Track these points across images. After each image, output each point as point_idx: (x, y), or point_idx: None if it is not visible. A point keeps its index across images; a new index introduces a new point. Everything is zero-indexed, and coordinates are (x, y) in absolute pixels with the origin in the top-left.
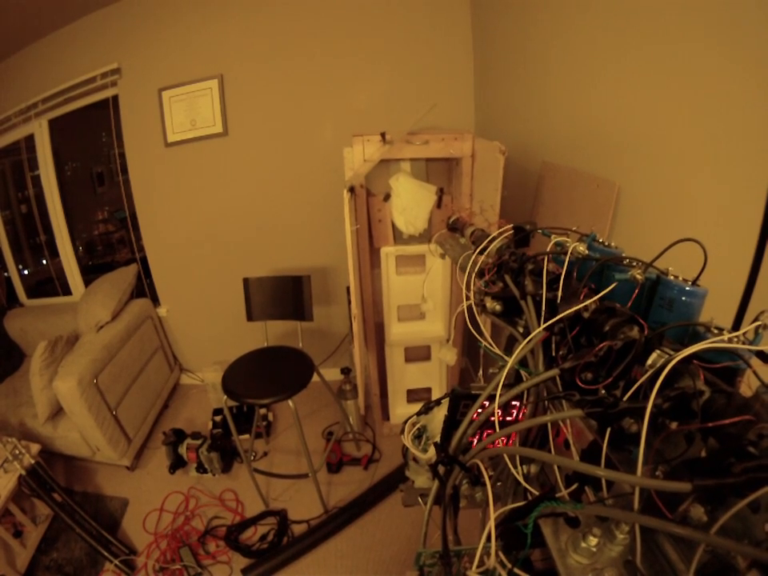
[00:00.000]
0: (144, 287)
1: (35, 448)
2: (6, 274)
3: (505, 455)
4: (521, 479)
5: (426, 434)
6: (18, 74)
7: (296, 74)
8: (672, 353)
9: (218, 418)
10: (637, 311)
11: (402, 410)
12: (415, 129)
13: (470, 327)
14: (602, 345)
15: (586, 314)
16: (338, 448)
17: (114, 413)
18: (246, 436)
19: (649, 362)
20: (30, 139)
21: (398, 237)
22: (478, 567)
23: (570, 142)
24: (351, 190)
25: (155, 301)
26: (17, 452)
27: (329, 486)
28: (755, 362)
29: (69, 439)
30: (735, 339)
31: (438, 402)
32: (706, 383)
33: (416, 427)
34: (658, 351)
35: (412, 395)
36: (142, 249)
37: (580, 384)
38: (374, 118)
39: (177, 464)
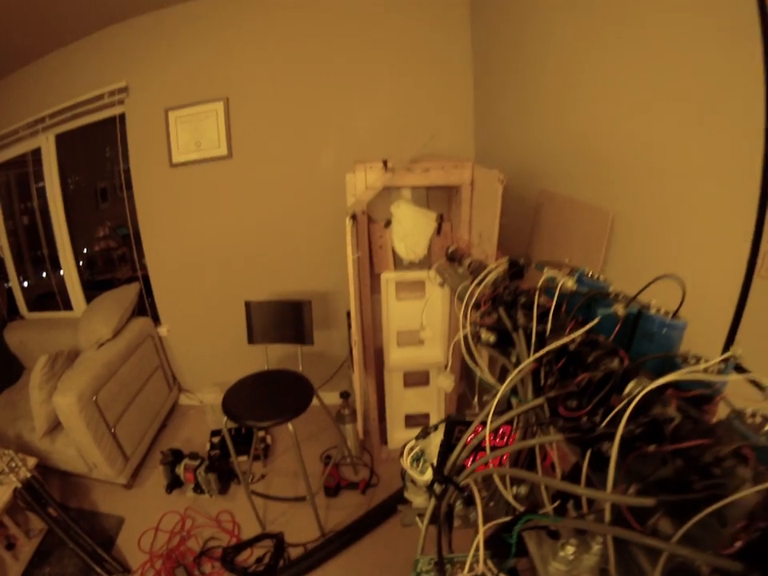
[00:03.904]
0: (145, 306)
1: (32, 461)
2: (7, 284)
3: (495, 476)
4: (510, 498)
5: (424, 457)
6: (27, 88)
7: (300, 99)
8: (647, 382)
9: (215, 440)
10: (621, 343)
11: (400, 434)
12: (416, 155)
13: (465, 356)
14: (582, 376)
15: (572, 346)
16: (336, 472)
17: (113, 430)
18: (244, 458)
19: (626, 390)
20: (36, 152)
21: (399, 263)
22: (469, 572)
23: (567, 170)
24: (353, 217)
25: (156, 320)
26: (13, 464)
27: (326, 509)
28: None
29: (66, 454)
30: (711, 368)
31: (435, 428)
32: (678, 410)
33: (414, 451)
34: (635, 381)
35: (410, 420)
36: (144, 267)
37: (562, 412)
38: (375, 143)
39: (174, 484)
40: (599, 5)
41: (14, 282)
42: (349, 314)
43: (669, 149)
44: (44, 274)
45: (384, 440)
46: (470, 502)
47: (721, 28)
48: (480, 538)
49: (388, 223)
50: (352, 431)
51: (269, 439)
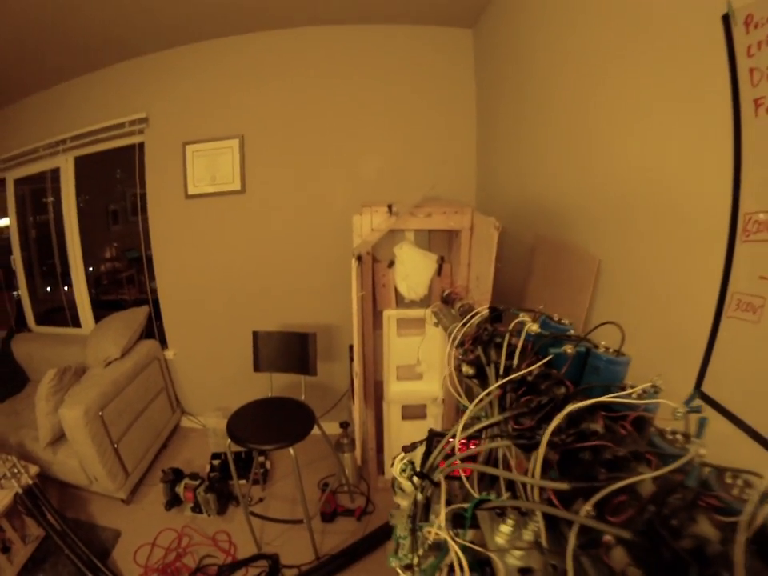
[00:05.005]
0: (153, 329)
1: (34, 469)
2: (16, 292)
3: (465, 481)
4: (473, 492)
5: (411, 466)
6: (51, 110)
7: (311, 141)
8: (576, 404)
9: (216, 462)
10: (574, 375)
11: None
12: (419, 201)
13: (449, 386)
14: (527, 398)
15: (529, 378)
16: (333, 498)
17: (116, 446)
18: (243, 482)
19: (565, 411)
20: (54, 170)
21: (400, 301)
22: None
23: (560, 218)
24: (359, 258)
25: (163, 343)
26: (15, 470)
27: (322, 534)
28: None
29: (67, 466)
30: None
31: (421, 443)
32: (604, 426)
33: (403, 461)
34: (571, 404)
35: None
36: (153, 290)
37: (514, 426)
38: (382, 186)
39: (173, 502)
40: (587, 73)
41: (24, 294)
42: (351, 348)
43: (648, 202)
44: (48, 289)
45: (381, 470)
46: (446, 504)
47: (693, 86)
48: (442, 509)
49: (391, 263)
50: (350, 460)
51: (268, 464)
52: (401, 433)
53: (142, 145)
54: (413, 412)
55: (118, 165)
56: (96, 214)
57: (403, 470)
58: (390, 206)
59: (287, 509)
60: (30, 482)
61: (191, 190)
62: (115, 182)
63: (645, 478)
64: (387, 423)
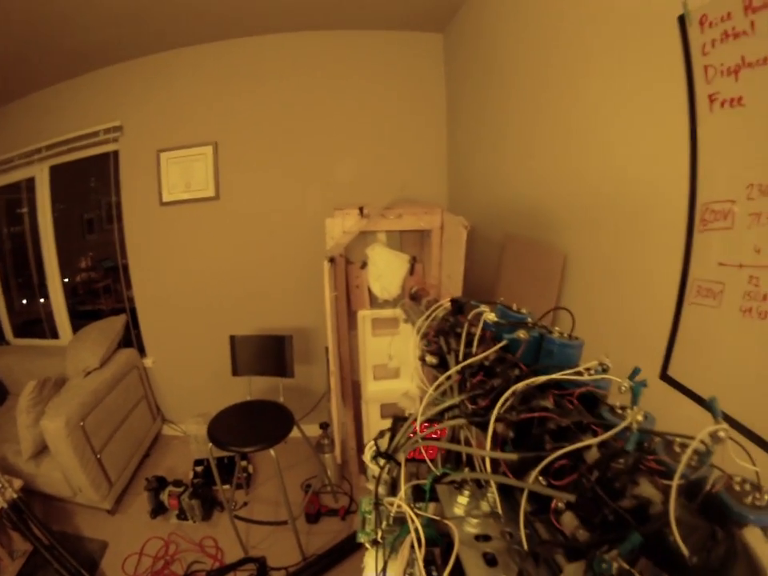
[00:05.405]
0: (131, 337)
1: (18, 483)
2: None
3: (426, 459)
4: (432, 468)
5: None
6: (26, 118)
7: (284, 148)
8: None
9: (198, 469)
10: (530, 360)
11: None
12: (390, 203)
13: (415, 378)
14: (478, 379)
15: (486, 363)
16: (316, 499)
17: (98, 456)
18: (227, 486)
19: (513, 387)
20: (29, 180)
21: (374, 301)
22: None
23: (527, 216)
24: (331, 260)
25: (142, 351)
26: None
27: (307, 535)
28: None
29: (51, 478)
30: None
31: (389, 429)
32: (554, 402)
33: (373, 449)
34: (524, 383)
35: None
36: (131, 299)
37: (470, 406)
38: (356, 189)
39: (158, 510)
40: (545, 75)
41: (0, 307)
42: (327, 349)
43: (610, 197)
44: (25, 301)
45: (362, 469)
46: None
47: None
48: (402, 483)
49: (364, 265)
50: (331, 460)
51: (250, 468)
52: None
53: (116, 153)
54: (391, 410)
55: (92, 173)
56: (71, 223)
57: (374, 457)
58: (361, 209)
59: (271, 511)
60: (15, 495)
61: (166, 197)
62: (89, 191)
63: (584, 444)
64: (366, 422)
